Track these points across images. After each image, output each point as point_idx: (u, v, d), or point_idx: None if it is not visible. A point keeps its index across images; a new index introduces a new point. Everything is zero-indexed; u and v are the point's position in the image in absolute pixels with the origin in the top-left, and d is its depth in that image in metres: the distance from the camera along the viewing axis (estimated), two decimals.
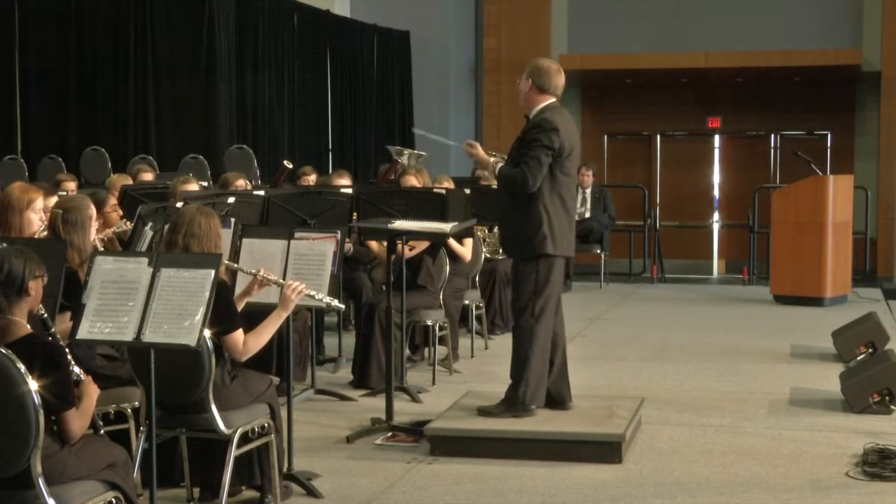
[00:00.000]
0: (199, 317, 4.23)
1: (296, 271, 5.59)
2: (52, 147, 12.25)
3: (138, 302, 4.29)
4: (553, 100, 6.31)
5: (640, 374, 8.31)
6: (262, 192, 7.80)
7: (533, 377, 6.15)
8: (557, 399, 6.35)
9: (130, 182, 8.65)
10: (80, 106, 12.44)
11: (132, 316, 4.28)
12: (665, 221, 16.21)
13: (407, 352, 7.84)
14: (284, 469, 5.32)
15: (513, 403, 6.18)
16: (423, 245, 7.89)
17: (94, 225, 5.47)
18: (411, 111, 16.65)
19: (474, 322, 8.94)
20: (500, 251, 8.88)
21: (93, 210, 5.40)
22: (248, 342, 4.86)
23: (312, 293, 5.18)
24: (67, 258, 5.03)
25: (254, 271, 5.19)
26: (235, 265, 5.35)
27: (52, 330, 4.13)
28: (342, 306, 5.75)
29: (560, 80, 6.34)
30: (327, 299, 5.30)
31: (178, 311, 4.25)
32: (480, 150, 6.46)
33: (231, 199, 6.55)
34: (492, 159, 6.32)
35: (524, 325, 6.19)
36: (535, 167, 6.09)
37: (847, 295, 12.05)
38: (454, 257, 8.35)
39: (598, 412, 6.27)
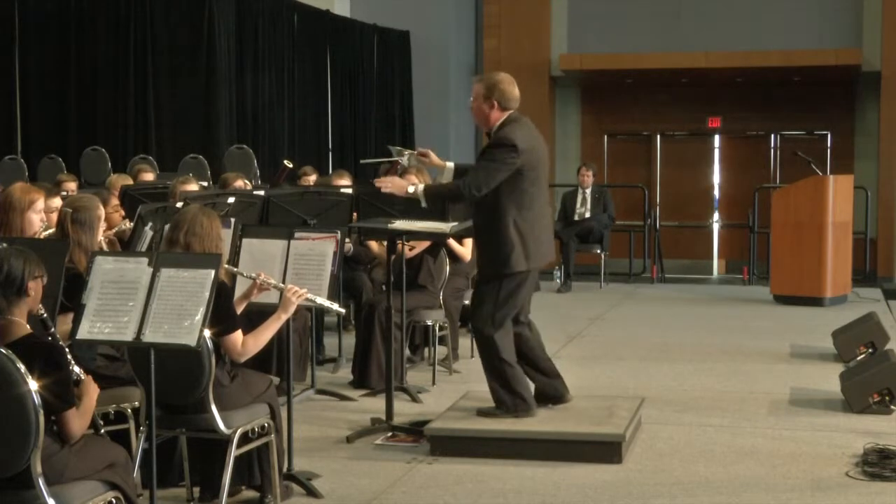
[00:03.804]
0: (199, 317, 4.23)
1: (296, 271, 5.58)
2: (52, 147, 12.24)
3: (138, 302, 4.29)
4: (511, 111, 6.14)
5: (640, 374, 8.31)
6: (262, 192, 7.80)
7: (516, 385, 6.12)
8: (556, 396, 6.34)
9: (131, 182, 8.66)
10: (80, 106, 12.44)
11: (132, 316, 4.28)
12: (665, 221, 16.21)
13: (407, 352, 7.84)
14: (284, 469, 5.32)
15: (507, 411, 6.16)
16: (423, 245, 7.89)
17: (102, 226, 5.47)
18: (411, 111, 16.65)
19: None
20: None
21: (102, 211, 5.41)
22: (247, 343, 4.86)
23: (313, 297, 5.17)
24: (75, 258, 5.04)
25: (254, 276, 5.19)
26: (235, 269, 5.33)
27: (52, 330, 4.13)
28: (342, 310, 5.74)
29: (517, 91, 6.16)
30: (327, 303, 5.30)
31: (178, 311, 4.26)
32: (434, 157, 6.34)
33: (231, 199, 6.56)
34: (415, 187, 6.10)
35: (486, 335, 6.10)
36: (481, 176, 5.95)
37: (847, 295, 12.05)
38: (454, 257, 8.35)
39: (598, 412, 6.27)
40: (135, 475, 4.45)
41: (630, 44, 16.29)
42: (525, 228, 6.04)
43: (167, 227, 5.11)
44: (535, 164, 6.08)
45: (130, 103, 12.15)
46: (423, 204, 6.12)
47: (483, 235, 6.19)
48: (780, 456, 6.02)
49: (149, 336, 4.25)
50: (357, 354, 7.83)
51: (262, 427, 4.96)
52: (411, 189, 6.09)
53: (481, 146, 6.34)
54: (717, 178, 17.59)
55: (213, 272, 4.33)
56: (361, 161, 7.12)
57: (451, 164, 6.31)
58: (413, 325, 8.01)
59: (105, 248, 5.67)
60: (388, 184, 6.17)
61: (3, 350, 3.72)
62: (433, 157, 6.36)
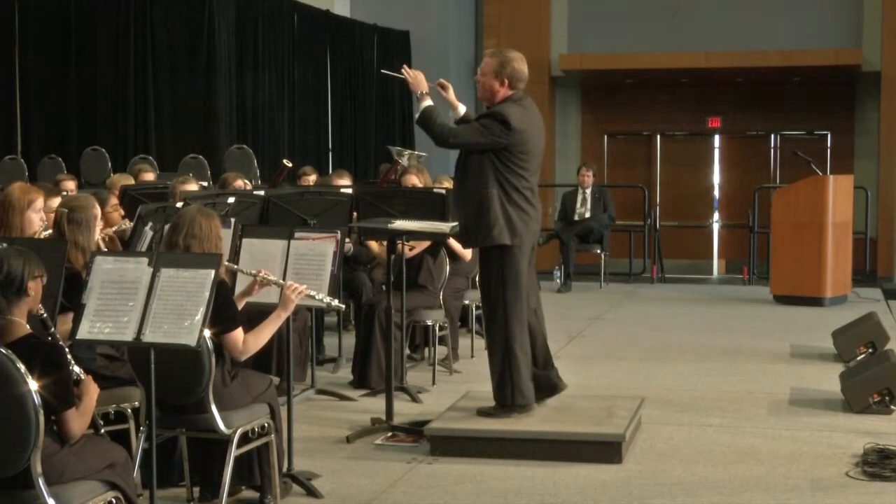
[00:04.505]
0: (198, 317, 4.23)
1: (296, 271, 5.58)
2: (52, 147, 12.24)
3: (138, 302, 4.29)
4: (517, 91, 6.15)
5: (640, 374, 8.30)
6: (262, 192, 7.80)
7: (517, 376, 6.09)
8: (549, 386, 6.32)
9: (132, 182, 8.66)
10: (80, 106, 12.44)
11: (132, 316, 4.28)
12: (665, 221, 16.22)
13: (407, 352, 7.84)
14: (284, 469, 5.32)
15: (505, 406, 6.15)
16: (423, 245, 7.89)
17: (99, 225, 5.48)
18: (411, 111, 16.64)
19: (474, 322, 8.94)
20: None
21: (97, 210, 5.42)
22: (247, 342, 4.86)
23: (313, 293, 5.18)
24: (71, 258, 5.04)
25: (254, 272, 5.19)
26: (236, 266, 5.35)
27: (52, 330, 4.13)
28: (342, 306, 5.75)
29: (527, 70, 6.19)
30: (327, 299, 5.30)
31: (178, 311, 4.25)
32: (451, 93, 6.33)
33: (231, 199, 6.56)
34: (424, 98, 6.15)
35: (498, 323, 6.09)
36: (466, 133, 6.01)
37: (847, 295, 12.05)
38: (454, 257, 8.34)
39: (598, 412, 6.27)
40: (135, 475, 4.45)
41: (630, 44, 16.29)
42: (512, 205, 6.01)
43: (166, 228, 5.12)
44: (526, 147, 6.05)
45: (130, 103, 12.15)
46: (416, 116, 6.17)
47: (466, 207, 6.12)
48: (780, 456, 6.02)
49: (149, 336, 4.25)
50: (357, 354, 7.82)
51: (262, 427, 4.96)
52: (421, 97, 6.15)
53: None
54: (717, 178, 17.61)
55: (212, 272, 4.33)
56: (382, 70, 7.08)
57: (463, 108, 6.31)
58: (413, 325, 8.01)
59: (102, 247, 5.67)
60: (412, 74, 6.23)
61: (3, 350, 3.72)
62: (451, 91, 6.35)
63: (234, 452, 4.76)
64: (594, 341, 9.73)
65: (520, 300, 6.08)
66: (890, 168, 15.61)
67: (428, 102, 6.14)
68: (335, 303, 5.37)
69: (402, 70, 6.30)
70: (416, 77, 6.23)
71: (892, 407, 6.87)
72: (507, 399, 6.12)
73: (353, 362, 7.87)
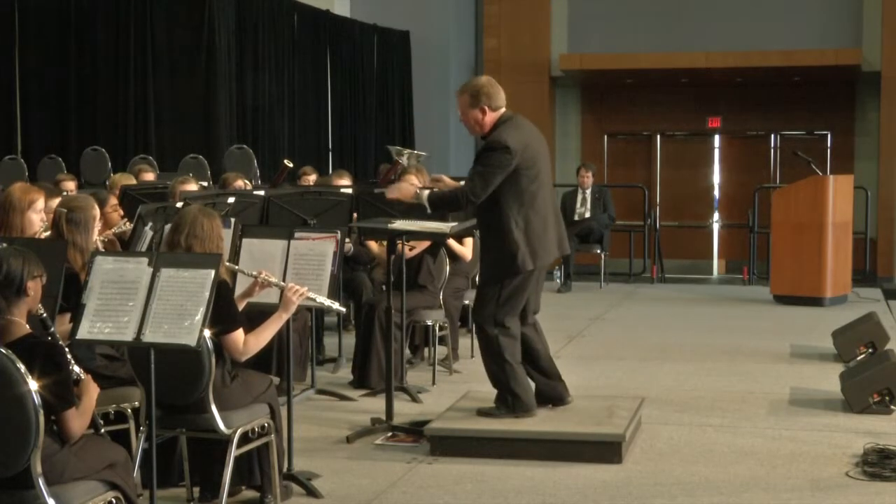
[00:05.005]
0: (198, 317, 4.23)
1: (296, 271, 5.58)
2: (52, 147, 12.25)
3: (138, 302, 4.29)
4: (502, 111, 6.09)
5: (640, 374, 8.31)
6: (262, 192, 7.80)
7: (514, 384, 6.09)
8: (556, 397, 6.33)
9: (133, 182, 8.66)
10: (80, 106, 12.44)
11: (132, 316, 4.28)
12: (665, 221, 16.22)
13: (407, 352, 7.84)
14: (284, 469, 5.32)
15: (506, 407, 6.15)
16: (423, 245, 7.89)
17: (98, 226, 5.47)
18: (411, 111, 16.65)
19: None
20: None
21: (97, 210, 5.41)
22: (248, 342, 4.86)
23: (314, 296, 5.18)
24: (70, 259, 5.04)
25: (255, 273, 5.19)
26: (237, 267, 5.34)
27: (52, 330, 4.13)
28: (343, 309, 5.75)
29: (501, 89, 6.11)
30: (328, 302, 5.30)
31: (178, 311, 4.26)
32: (448, 181, 6.33)
33: (231, 199, 6.56)
34: (420, 194, 6.10)
35: (490, 335, 6.07)
36: (479, 182, 5.91)
37: (847, 295, 12.05)
38: (454, 257, 8.34)
39: (598, 412, 6.27)
40: (135, 475, 4.45)
41: (630, 44, 16.29)
42: (529, 228, 6.00)
43: (167, 229, 5.11)
44: (531, 162, 6.03)
45: (130, 103, 12.15)
46: (429, 210, 6.12)
47: (488, 238, 6.14)
48: (780, 456, 6.02)
49: (149, 336, 4.25)
50: (357, 354, 7.83)
51: (262, 427, 4.96)
52: (417, 197, 6.10)
53: (481, 145, 6.30)
54: (717, 178, 17.61)
55: (212, 272, 4.33)
56: (375, 190, 7.07)
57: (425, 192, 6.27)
58: (413, 325, 8.01)
59: (101, 247, 5.67)
60: (396, 192, 6.23)
61: (3, 350, 3.72)
62: (446, 179, 6.39)
63: (234, 452, 4.76)
64: (594, 341, 9.73)
65: (514, 318, 6.09)
66: (890, 168, 15.60)
67: (425, 193, 6.10)
68: (336, 306, 5.37)
69: (388, 195, 6.27)
70: (401, 190, 6.22)
71: (892, 407, 6.87)
72: (509, 409, 6.13)
73: (353, 362, 7.87)
